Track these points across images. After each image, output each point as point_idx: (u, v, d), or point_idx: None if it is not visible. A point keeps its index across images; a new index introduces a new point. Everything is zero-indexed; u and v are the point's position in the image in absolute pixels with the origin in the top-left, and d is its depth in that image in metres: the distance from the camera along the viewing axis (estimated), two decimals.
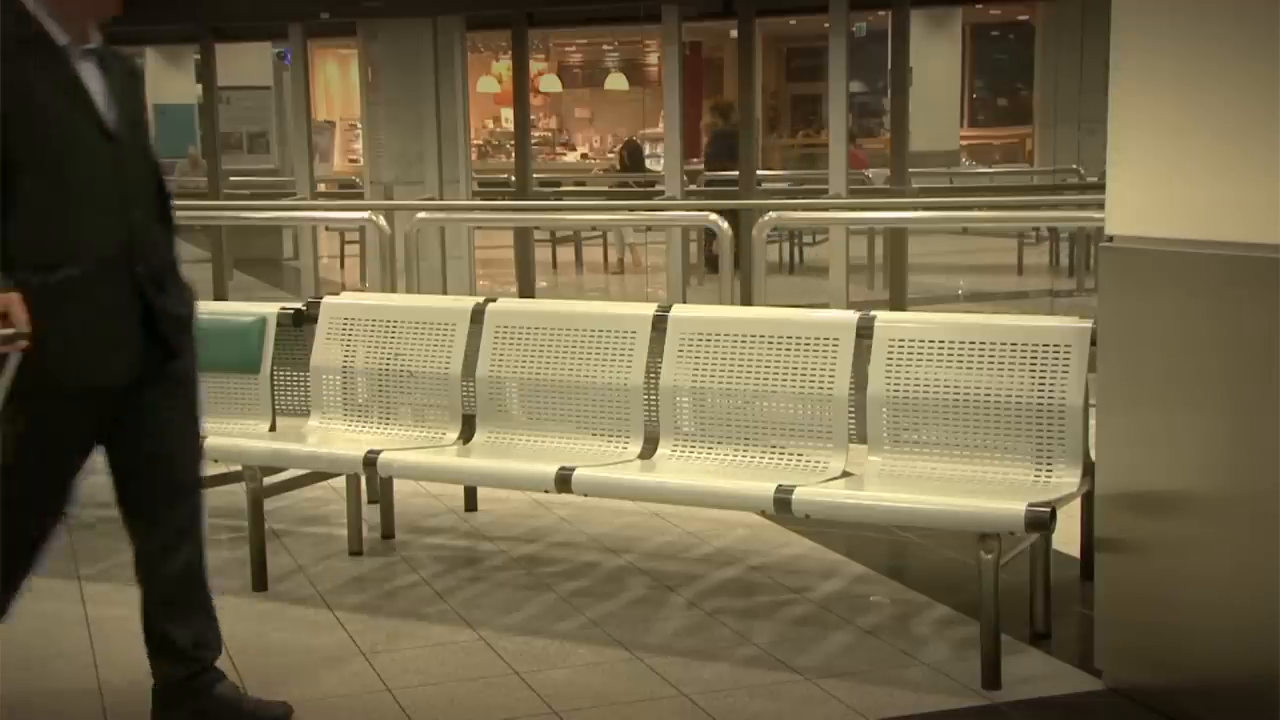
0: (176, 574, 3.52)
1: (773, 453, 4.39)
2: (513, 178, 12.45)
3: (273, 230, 14.99)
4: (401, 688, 3.85)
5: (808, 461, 4.32)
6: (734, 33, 12.07)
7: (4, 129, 3.13)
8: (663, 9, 10.25)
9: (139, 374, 3.36)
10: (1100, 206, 3.83)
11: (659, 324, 4.64)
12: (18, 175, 3.16)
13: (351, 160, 20.49)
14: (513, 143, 12.87)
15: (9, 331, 3.02)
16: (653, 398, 4.60)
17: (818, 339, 4.38)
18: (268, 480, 4.83)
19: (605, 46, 24.27)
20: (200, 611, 3.59)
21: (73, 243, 3.22)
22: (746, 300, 7.86)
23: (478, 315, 4.93)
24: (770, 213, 7.34)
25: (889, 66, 10.94)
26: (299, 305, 5.26)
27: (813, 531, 5.08)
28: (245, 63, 17.53)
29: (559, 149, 23.50)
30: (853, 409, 4.33)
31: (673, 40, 10.29)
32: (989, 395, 4.13)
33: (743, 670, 3.91)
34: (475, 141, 17.08)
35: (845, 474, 4.25)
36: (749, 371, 4.47)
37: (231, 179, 14.46)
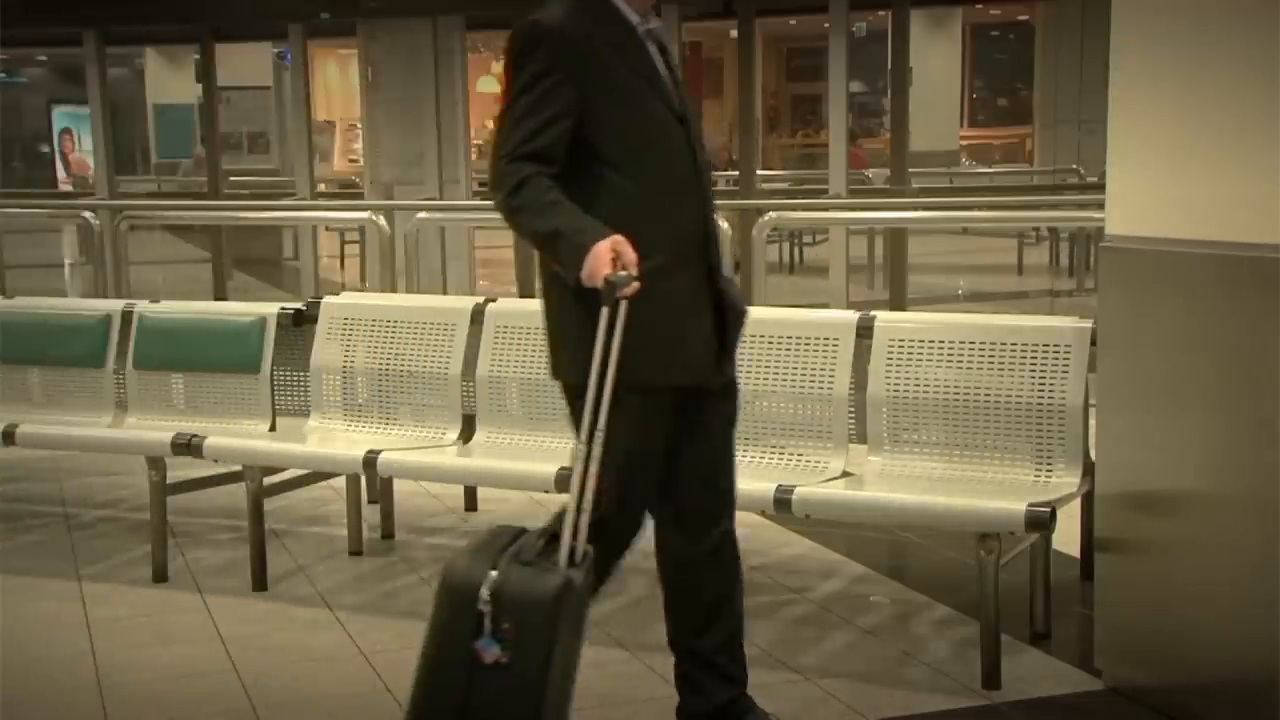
0: (715, 586, 3.31)
1: (773, 453, 4.38)
2: None
3: (273, 230, 14.99)
4: (401, 688, 3.82)
5: (808, 461, 4.31)
6: (734, 33, 12.09)
7: (590, 117, 3.00)
8: (662, 9, 10.26)
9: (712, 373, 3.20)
10: (1100, 206, 3.83)
11: None
12: (601, 165, 3.03)
13: (351, 160, 20.50)
14: None
15: (624, 273, 2.88)
16: None
17: (818, 339, 4.38)
18: (268, 480, 4.83)
19: None
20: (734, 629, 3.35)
21: (659, 233, 3.05)
22: (746, 300, 7.85)
23: (478, 315, 4.93)
24: (770, 213, 7.34)
25: (889, 66, 10.96)
26: (299, 305, 5.27)
27: (813, 531, 5.07)
28: (245, 63, 17.56)
29: None
30: (853, 409, 4.32)
31: (672, 40, 10.30)
32: (989, 395, 4.12)
33: None
34: (475, 141, 17.07)
35: (845, 474, 4.24)
36: (749, 371, 4.45)
37: (231, 179, 14.47)
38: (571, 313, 3.06)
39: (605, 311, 2.91)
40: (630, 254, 2.90)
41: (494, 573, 2.83)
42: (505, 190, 3.00)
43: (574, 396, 3.14)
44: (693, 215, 3.16)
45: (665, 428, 3.17)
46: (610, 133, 3.04)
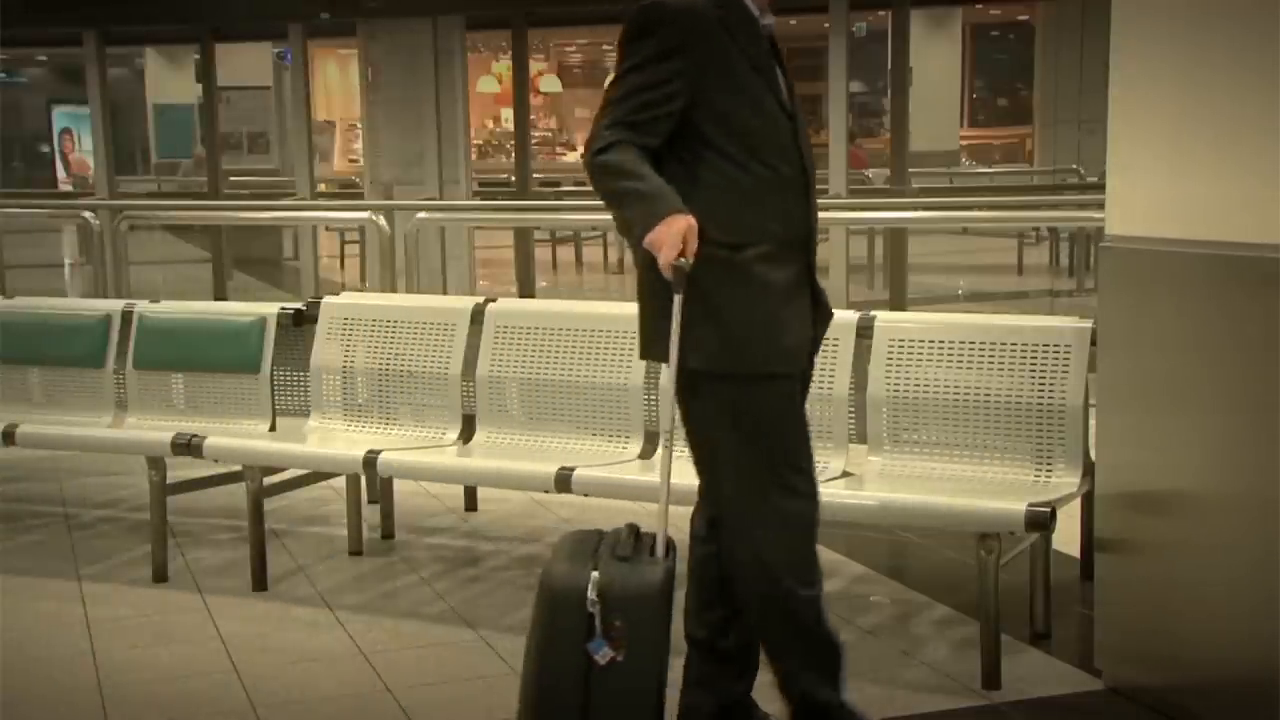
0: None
1: None
2: (513, 178, 12.46)
3: (273, 230, 15.00)
4: (401, 688, 3.85)
5: None
6: None
7: (703, 101, 3.01)
8: None
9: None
10: (1100, 206, 3.83)
11: None
12: (707, 149, 3.03)
13: (351, 160, 20.49)
14: (513, 143, 12.87)
15: (685, 260, 2.90)
16: (653, 397, 4.60)
17: None
18: (268, 480, 4.83)
19: (605, 46, 24.26)
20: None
21: (763, 221, 3.06)
22: None
23: (478, 315, 4.93)
24: None
25: (889, 66, 10.95)
26: (299, 305, 5.27)
27: None
28: (245, 63, 17.54)
29: (559, 149, 23.50)
30: (853, 409, 4.32)
31: None
32: (989, 395, 4.12)
33: None
34: (475, 141, 17.07)
35: (845, 474, 4.25)
36: None
37: (231, 179, 14.47)
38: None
39: (678, 299, 2.95)
40: (695, 243, 2.92)
41: (596, 573, 2.87)
42: (594, 150, 3.01)
43: (688, 382, 3.12)
44: (798, 209, 3.15)
45: (799, 409, 3.16)
46: (722, 119, 3.05)
